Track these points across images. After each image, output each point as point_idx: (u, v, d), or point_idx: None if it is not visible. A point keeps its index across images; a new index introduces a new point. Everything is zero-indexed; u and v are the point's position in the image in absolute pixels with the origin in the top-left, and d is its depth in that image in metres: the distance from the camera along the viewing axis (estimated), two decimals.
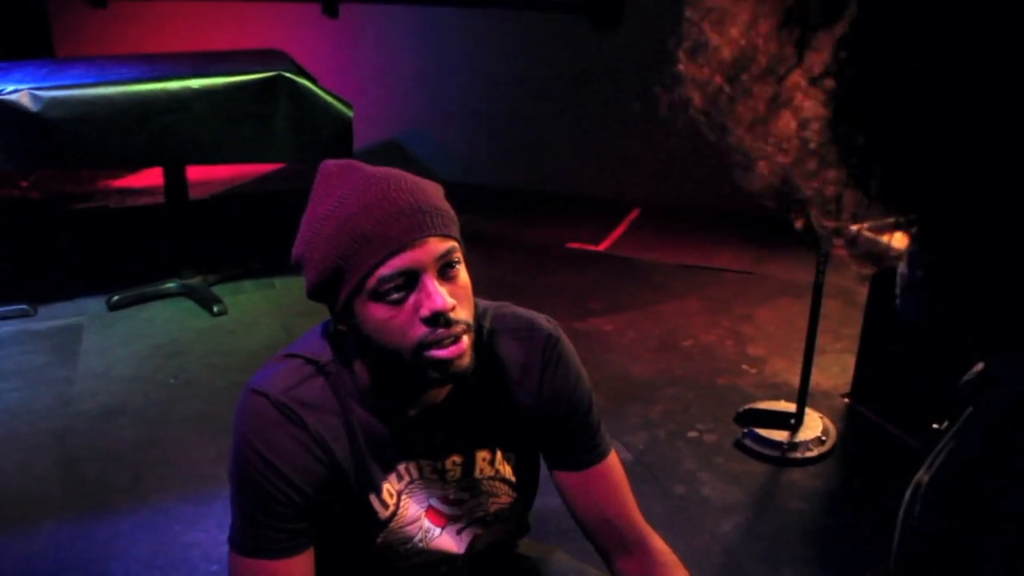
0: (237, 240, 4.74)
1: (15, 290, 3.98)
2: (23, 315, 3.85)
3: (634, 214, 5.16)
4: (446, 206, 1.24)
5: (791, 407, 2.99)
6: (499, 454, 1.38)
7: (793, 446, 2.90)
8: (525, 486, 1.44)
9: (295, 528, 1.29)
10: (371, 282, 1.16)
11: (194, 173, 4.15)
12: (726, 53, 0.48)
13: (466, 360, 1.20)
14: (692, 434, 3.03)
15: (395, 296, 1.17)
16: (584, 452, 1.41)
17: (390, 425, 1.31)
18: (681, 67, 0.51)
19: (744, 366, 3.48)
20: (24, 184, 5.49)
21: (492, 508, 1.40)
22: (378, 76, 5.77)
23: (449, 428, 1.33)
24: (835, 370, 3.39)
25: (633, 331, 3.72)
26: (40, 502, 2.64)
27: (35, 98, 3.19)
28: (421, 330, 1.17)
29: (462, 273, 1.22)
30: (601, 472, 1.42)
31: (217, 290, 4.04)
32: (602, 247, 4.73)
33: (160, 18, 5.84)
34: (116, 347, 3.61)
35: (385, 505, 1.34)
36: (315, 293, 1.24)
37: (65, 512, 2.59)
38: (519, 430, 1.38)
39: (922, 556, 0.61)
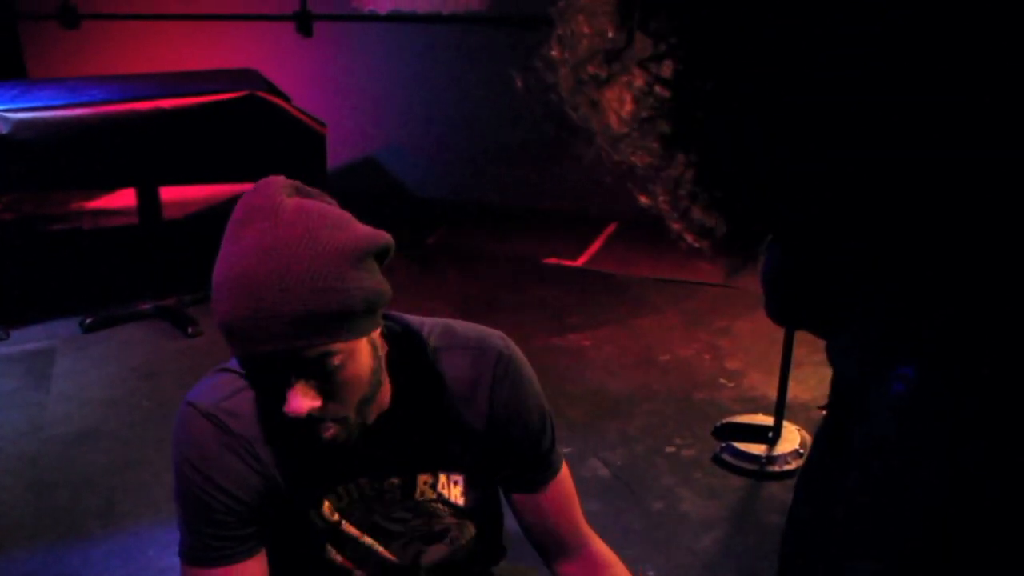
0: (212, 261, 4.69)
1: None
2: None
3: (611, 228, 5.16)
4: (339, 300, 1.11)
5: (769, 420, 2.99)
6: (442, 477, 1.34)
7: (771, 459, 2.90)
8: (476, 511, 1.40)
9: (238, 535, 1.28)
10: (242, 365, 1.16)
11: (168, 193, 4.12)
12: (583, 42, 0.52)
13: (341, 440, 1.18)
14: (670, 449, 3.03)
15: (263, 386, 1.17)
16: (538, 473, 1.40)
17: (324, 443, 1.27)
18: (553, 53, 0.55)
19: (722, 380, 3.48)
20: None
21: (436, 528, 1.38)
22: (352, 94, 5.76)
23: (388, 449, 1.29)
24: (812, 382, 3.39)
25: (611, 346, 3.72)
26: (11, 529, 2.60)
27: (4, 120, 3.16)
28: (289, 417, 1.14)
29: (346, 369, 1.14)
30: (554, 488, 1.41)
31: (192, 311, 4.00)
32: (579, 262, 4.73)
33: (133, 39, 5.81)
34: (90, 370, 3.57)
35: (324, 520, 1.32)
36: None
37: (37, 539, 2.56)
38: (467, 451, 1.34)
39: (793, 547, 0.63)
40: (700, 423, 3.15)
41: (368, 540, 1.36)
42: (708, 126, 0.48)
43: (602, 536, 1.55)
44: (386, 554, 1.38)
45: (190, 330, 3.83)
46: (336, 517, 1.33)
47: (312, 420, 1.14)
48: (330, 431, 1.17)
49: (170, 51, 5.61)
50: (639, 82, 0.49)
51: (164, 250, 4.04)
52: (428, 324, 1.35)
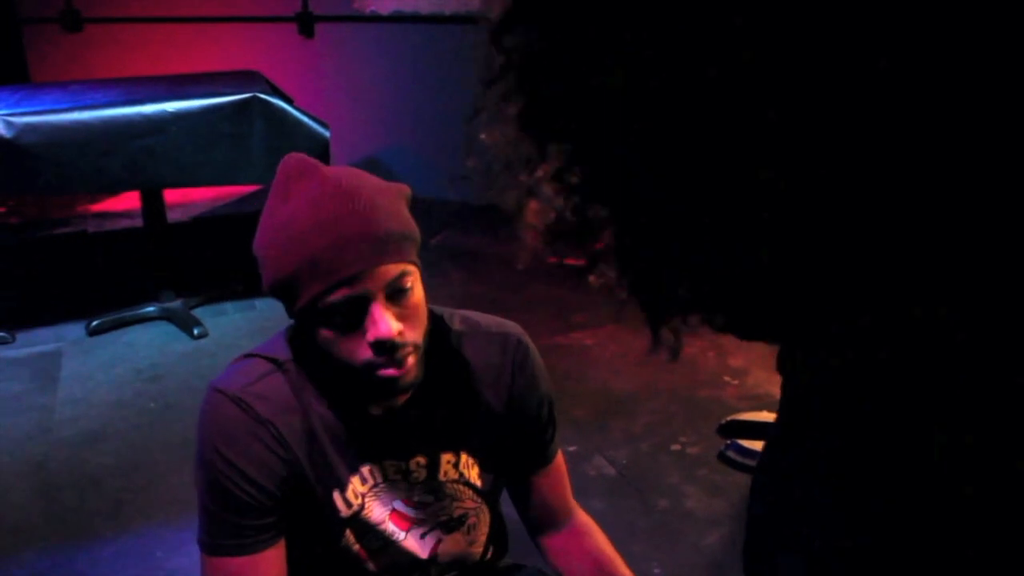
0: (217, 262, 4.72)
1: None
2: (1, 342, 3.82)
3: None
4: (402, 223, 1.21)
5: (773, 417, 2.99)
6: (464, 457, 1.38)
7: None
8: (491, 494, 1.45)
9: (259, 524, 1.29)
10: (319, 306, 1.18)
11: (172, 196, 4.14)
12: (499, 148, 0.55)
13: (411, 376, 1.23)
14: (675, 447, 3.03)
15: (341, 322, 1.19)
16: (541, 454, 1.48)
17: (352, 424, 1.31)
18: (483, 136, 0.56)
19: (726, 378, 3.49)
20: (2, 210, 5.47)
21: (456, 512, 1.41)
22: (354, 95, 5.77)
23: (413, 429, 1.34)
24: None
25: (615, 344, 3.72)
26: (20, 531, 2.62)
27: (8, 124, 3.17)
28: (368, 353, 1.19)
29: (414, 293, 1.22)
30: (552, 470, 1.50)
31: (197, 313, 4.02)
32: (583, 261, 4.72)
33: (135, 41, 5.83)
34: (96, 372, 3.59)
35: (348, 504, 1.34)
36: (271, 293, 1.25)
37: (46, 541, 2.57)
38: (485, 433, 1.39)
39: (750, 545, 0.65)
40: (705, 421, 3.15)
41: (389, 527, 1.37)
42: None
43: (608, 533, 1.58)
44: (404, 544, 1.39)
45: (196, 332, 3.84)
46: (359, 501, 1.34)
47: (394, 347, 1.18)
48: (409, 358, 1.21)
49: (172, 53, 5.63)
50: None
51: (169, 252, 4.05)
52: (447, 311, 1.40)
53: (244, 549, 1.29)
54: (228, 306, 4.17)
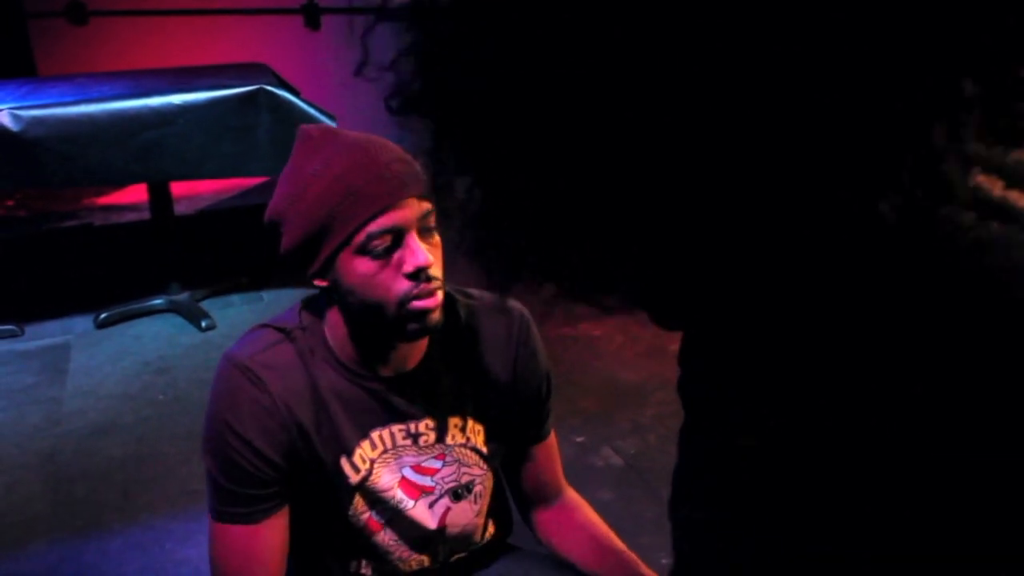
0: (223, 254, 4.73)
1: (2, 309, 3.96)
2: (10, 335, 3.83)
3: None
4: (423, 171, 1.27)
5: None
6: (470, 422, 1.42)
7: None
8: (495, 460, 1.49)
9: (261, 494, 1.33)
10: (359, 237, 1.23)
11: (179, 188, 4.14)
12: None
13: (438, 314, 1.28)
14: None
15: (380, 252, 1.24)
16: (539, 428, 1.52)
17: (363, 388, 1.35)
18: None
19: None
20: (9, 203, 5.48)
21: (464, 479, 1.44)
22: (360, 87, 5.76)
23: (422, 392, 1.38)
24: None
25: (622, 336, 3.72)
26: (29, 523, 2.63)
27: (15, 118, 3.18)
28: (404, 285, 1.24)
29: (437, 234, 1.29)
30: (547, 445, 1.54)
31: (205, 305, 4.02)
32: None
33: (141, 34, 5.83)
34: (104, 365, 3.60)
35: (356, 469, 1.36)
36: (294, 252, 1.29)
37: (55, 533, 2.58)
38: (490, 401, 1.43)
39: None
40: None
41: (398, 495, 1.39)
42: None
43: (615, 525, 1.58)
44: (413, 513, 1.41)
45: (203, 324, 3.85)
46: (367, 466, 1.36)
47: (428, 277, 1.25)
48: (439, 292, 1.27)
49: (178, 46, 5.62)
50: None
51: (176, 245, 4.05)
52: (450, 284, 1.43)
53: (246, 518, 1.33)
54: (235, 298, 4.18)
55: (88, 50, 5.80)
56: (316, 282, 1.31)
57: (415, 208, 1.24)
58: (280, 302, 4.06)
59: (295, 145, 1.31)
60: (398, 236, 1.24)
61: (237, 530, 1.33)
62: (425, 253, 1.24)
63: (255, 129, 3.46)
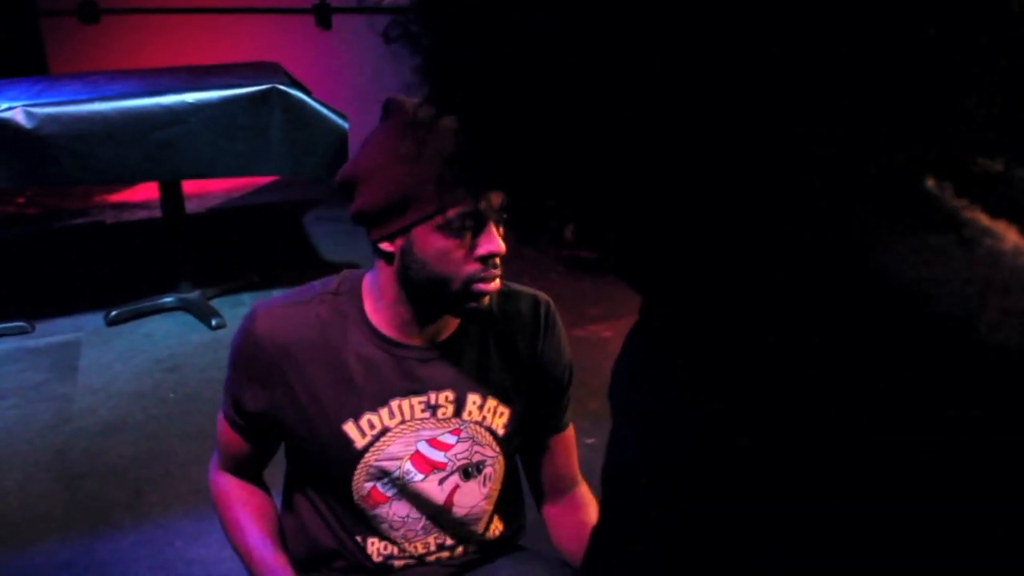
0: (234, 253, 4.74)
1: (12, 307, 3.97)
2: (21, 332, 3.84)
3: None
4: None
5: None
6: (489, 401, 1.44)
7: None
8: (512, 448, 1.52)
9: (249, 427, 1.46)
10: (446, 215, 1.28)
11: (190, 186, 4.15)
12: None
13: (491, 300, 1.35)
14: None
15: (461, 232, 1.29)
16: (559, 419, 1.55)
17: (391, 355, 1.40)
18: None
19: None
20: (20, 200, 5.49)
21: (475, 458, 1.46)
22: (371, 87, 5.76)
23: (448, 364, 1.42)
24: None
25: None
26: (41, 520, 2.63)
27: (29, 115, 3.18)
28: (474, 266, 1.30)
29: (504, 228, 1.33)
30: (565, 437, 1.57)
31: (215, 303, 4.03)
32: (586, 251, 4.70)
33: (153, 33, 5.84)
34: (115, 363, 3.60)
35: (363, 433, 1.39)
36: (370, 211, 1.33)
37: (66, 530, 2.58)
38: (515, 387, 1.46)
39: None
40: None
41: (406, 466, 1.42)
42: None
43: None
44: (421, 486, 1.43)
45: (214, 323, 3.85)
46: (376, 432, 1.40)
47: (496, 264, 1.31)
48: (499, 279, 1.33)
49: (189, 45, 5.64)
50: None
51: (187, 243, 4.06)
52: None
53: (240, 430, 1.48)
54: (246, 297, 4.18)
55: (99, 48, 5.81)
56: (380, 245, 1.35)
57: (499, 198, 1.27)
58: None
59: (388, 114, 1.35)
60: (480, 221, 1.29)
61: (228, 429, 1.49)
62: (500, 242, 1.30)
63: (267, 128, 3.46)
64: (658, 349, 0.56)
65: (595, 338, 3.68)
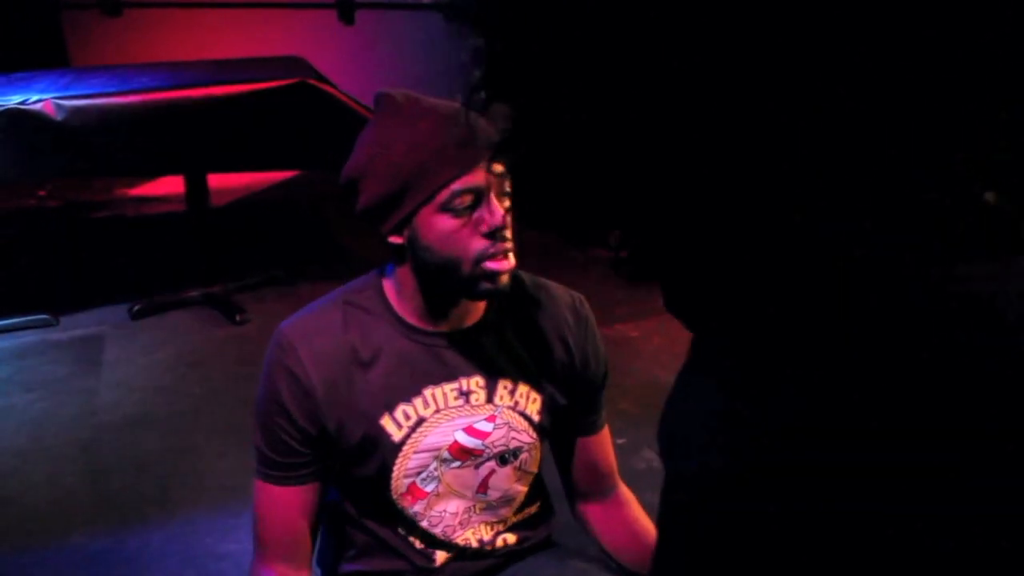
0: (258, 248, 4.72)
1: (36, 300, 3.97)
2: (45, 325, 3.84)
3: None
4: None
5: None
6: (520, 387, 1.43)
7: None
8: (545, 435, 1.49)
9: (294, 462, 1.38)
10: (443, 195, 1.26)
11: (213, 180, 4.13)
12: None
13: (507, 278, 1.32)
14: None
15: (461, 210, 1.27)
16: (594, 418, 1.54)
17: (420, 344, 1.38)
18: None
19: None
20: (42, 193, 5.49)
21: (512, 444, 1.44)
22: (393, 82, 5.73)
23: (476, 350, 1.41)
24: None
25: (659, 336, 3.69)
26: (69, 514, 2.62)
27: (58, 107, 3.18)
28: (481, 243, 1.28)
29: (509, 200, 1.30)
30: (602, 437, 1.56)
31: (239, 298, 4.02)
32: (624, 252, 4.69)
33: (175, 27, 5.84)
34: (139, 357, 3.59)
35: (398, 425, 1.38)
36: (374, 207, 1.31)
37: (95, 524, 2.57)
38: (547, 372, 1.44)
39: None
40: None
41: (444, 455, 1.41)
42: None
43: None
44: (457, 472, 1.42)
45: (238, 318, 3.84)
46: (413, 423, 1.38)
47: (503, 237, 1.28)
48: (511, 254, 1.30)
49: (211, 39, 5.63)
50: None
51: (211, 237, 4.04)
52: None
53: (280, 480, 1.39)
54: (269, 292, 4.17)
55: (121, 42, 5.81)
56: (391, 239, 1.33)
57: (498, 170, 1.27)
58: (315, 296, 4.04)
59: (377, 108, 1.34)
60: (479, 196, 1.27)
61: (271, 489, 1.40)
62: (502, 214, 1.28)
63: (295, 122, 3.44)
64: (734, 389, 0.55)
65: (622, 338, 3.66)
